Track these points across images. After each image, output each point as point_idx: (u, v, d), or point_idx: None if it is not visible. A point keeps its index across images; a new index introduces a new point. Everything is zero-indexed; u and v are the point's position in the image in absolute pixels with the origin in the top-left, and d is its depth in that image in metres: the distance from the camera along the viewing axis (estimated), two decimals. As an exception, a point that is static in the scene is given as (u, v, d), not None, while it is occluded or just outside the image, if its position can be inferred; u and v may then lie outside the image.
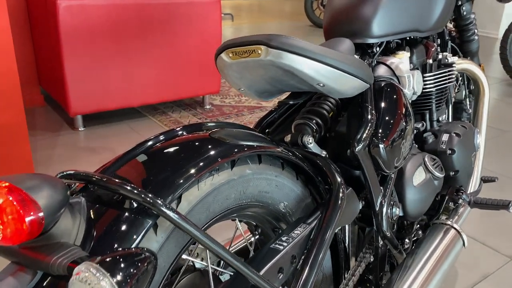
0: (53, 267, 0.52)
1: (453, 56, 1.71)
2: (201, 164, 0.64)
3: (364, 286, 1.06)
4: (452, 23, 1.67)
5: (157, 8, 2.49)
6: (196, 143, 0.69)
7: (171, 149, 0.67)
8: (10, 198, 0.48)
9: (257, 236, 0.98)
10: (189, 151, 0.66)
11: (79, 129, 2.56)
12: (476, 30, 1.69)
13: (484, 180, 1.41)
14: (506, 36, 3.71)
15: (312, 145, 0.97)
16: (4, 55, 1.67)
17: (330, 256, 0.99)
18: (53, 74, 2.52)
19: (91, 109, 2.49)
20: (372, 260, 1.06)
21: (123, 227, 0.57)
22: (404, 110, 1.08)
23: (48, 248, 0.53)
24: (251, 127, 1.13)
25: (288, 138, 1.00)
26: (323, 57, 0.85)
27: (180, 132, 0.74)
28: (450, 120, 1.50)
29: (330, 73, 0.87)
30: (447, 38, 1.57)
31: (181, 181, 0.61)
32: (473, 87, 1.61)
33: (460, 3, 1.62)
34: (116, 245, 0.56)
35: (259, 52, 0.84)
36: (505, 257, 1.61)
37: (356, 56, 1.14)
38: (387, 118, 1.02)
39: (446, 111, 1.47)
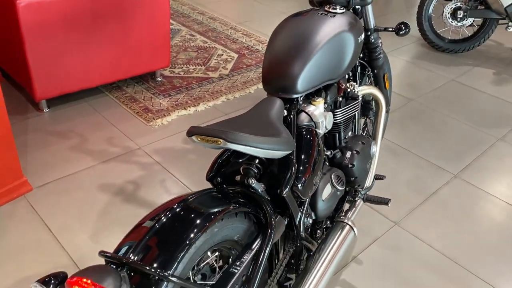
0: None
1: (362, 68, 2.18)
2: (191, 236, 1.10)
3: (290, 270, 1.60)
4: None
5: (109, -3, 2.68)
6: (184, 219, 1.14)
7: (171, 225, 1.12)
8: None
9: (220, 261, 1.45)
10: (183, 227, 1.11)
11: (44, 111, 2.82)
12: (382, 50, 2.15)
13: (376, 178, 1.97)
14: (423, 2, 4.14)
15: (254, 184, 1.43)
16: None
17: None
18: (14, 59, 2.71)
19: (55, 93, 2.75)
20: (293, 252, 1.60)
21: None
22: (317, 151, 1.56)
23: None
24: (211, 162, 1.57)
25: (238, 178, 1.45)
26: (264, 145, 1.28)
27: (172, 211, 1.17)
28: (357, 129, 2.00)
29: (268, 153, 1.31)
30: (356, 63, 2.02)
31: (183, 252, 1.07)
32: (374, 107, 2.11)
33: (369, 33, 2.05)
34: None
35: (219, 142, 1.26)
36: (391, 222, 2.24)
37: (285, 112, 1.56)
38: (305, 162, 1.49)
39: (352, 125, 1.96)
